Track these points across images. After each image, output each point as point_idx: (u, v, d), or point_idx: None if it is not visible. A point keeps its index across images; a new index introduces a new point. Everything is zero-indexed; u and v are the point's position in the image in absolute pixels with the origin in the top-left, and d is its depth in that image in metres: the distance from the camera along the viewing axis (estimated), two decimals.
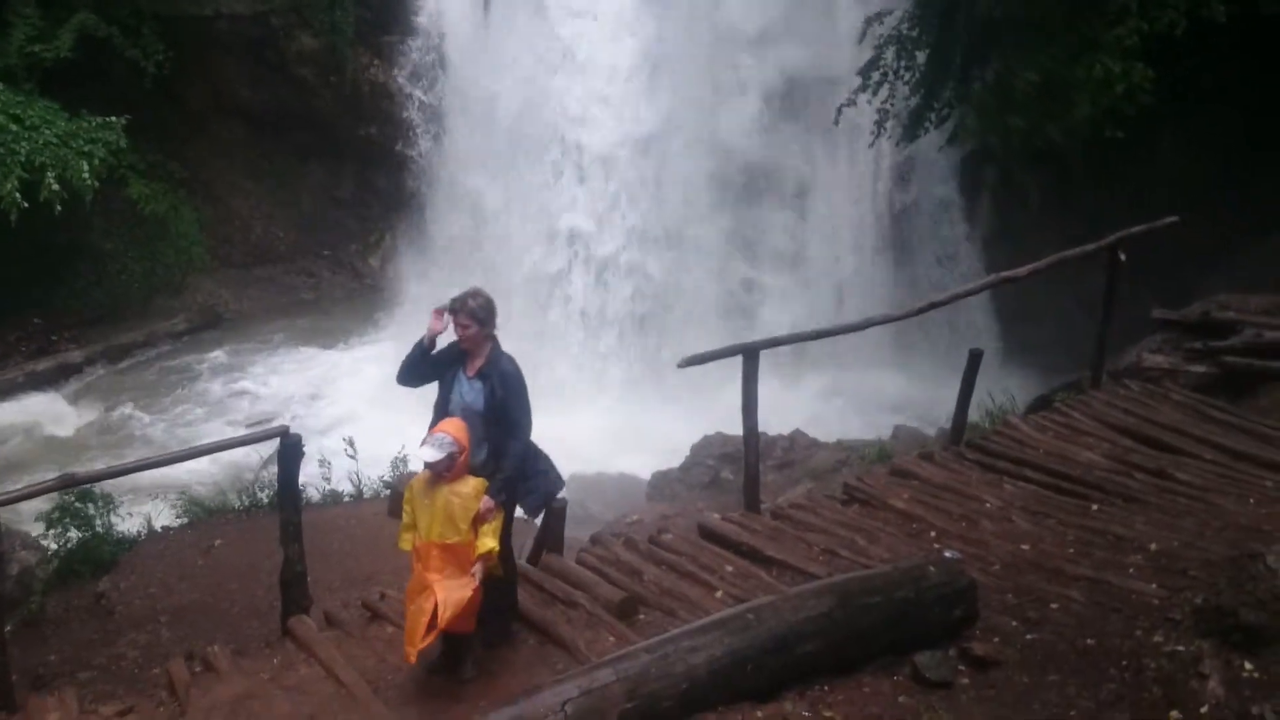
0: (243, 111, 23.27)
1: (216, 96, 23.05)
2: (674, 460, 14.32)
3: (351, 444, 12.03)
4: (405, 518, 6.27)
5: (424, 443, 6.03)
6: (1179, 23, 12.36)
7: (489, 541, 6.03)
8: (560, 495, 6.98)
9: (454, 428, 6.07)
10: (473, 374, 6.24)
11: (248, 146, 23.51)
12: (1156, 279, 14.65)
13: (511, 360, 6.27)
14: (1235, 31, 12.48)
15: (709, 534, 8.04)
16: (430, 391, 6.48)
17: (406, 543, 6.26)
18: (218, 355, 20.71)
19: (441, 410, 6.29)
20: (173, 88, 21.39)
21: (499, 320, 6.34)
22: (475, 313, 6.18)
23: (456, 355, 6.32)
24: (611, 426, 16.20)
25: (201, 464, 12.77)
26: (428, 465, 6.01)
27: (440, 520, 6.02)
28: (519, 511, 6.56)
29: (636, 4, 19.41)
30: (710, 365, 7.94)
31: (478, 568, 6.02)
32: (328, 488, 12.06)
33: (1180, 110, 14.44)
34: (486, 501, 6.01)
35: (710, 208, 19.36)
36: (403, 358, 6.49)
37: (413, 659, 6.08)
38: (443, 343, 6.37)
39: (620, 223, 19.28)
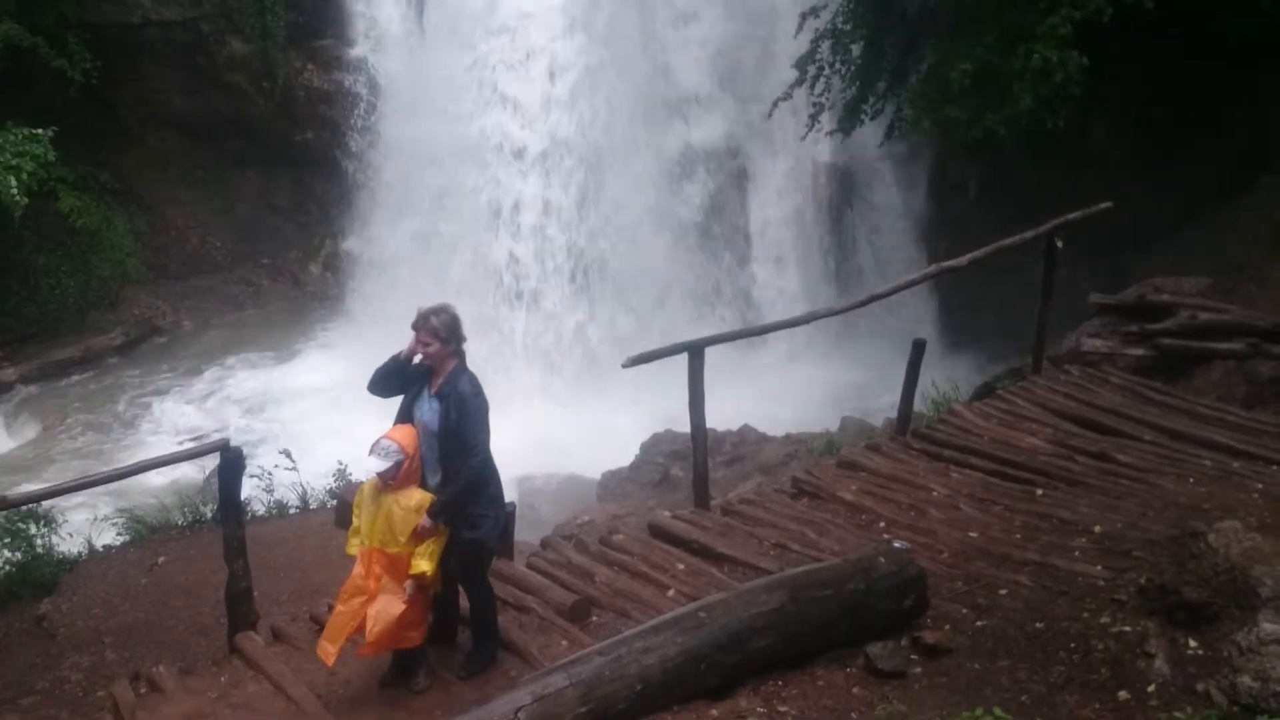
0: (175, 120, 22.90)
1: (148, 105, 22.66)
2: (624, 459, 14.30)
3: (289, 455, 11.89)
4: (355, 521, 6.19)
5: (370, 451, 5.94)
6: (1106, 9, 12.53)
7: (423, 564, 5.92)
8: (509, 500, 6.89)
9: (401, 435, 5.99)
10: (434, 392, 6.09)
11: (181, 155, 23.14)
12: (1093, 264, 14.89)
13: (472, 380, 6.08)
14: (1160, 16, 12.68)
15: (660, 532, 8.02)
16: (382, 402, 6.36)
17: (354, 547, 6.18)
18: (157, 369, 20.40)
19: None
20: (102, 97, 21.01)
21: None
22: (437, 330, 6.00)
23: (425, 370, 6.17)
24: (560, 426, 16.15)
25: (143, 480, 12.51)
26: (374, 473, 5.93)
27: (381, 528, 5.96)
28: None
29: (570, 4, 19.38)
30: (658, 362, 7.92)
31: (410, 584, 5.94)
32: (273, 500, 11.89)
33: (1109, 96, 14.66)
34: (425, 520, 5.89)
35: (653, 201, 19.38)
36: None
37: (330, 660, 6.02)
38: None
39: (563, 219, 19.23)
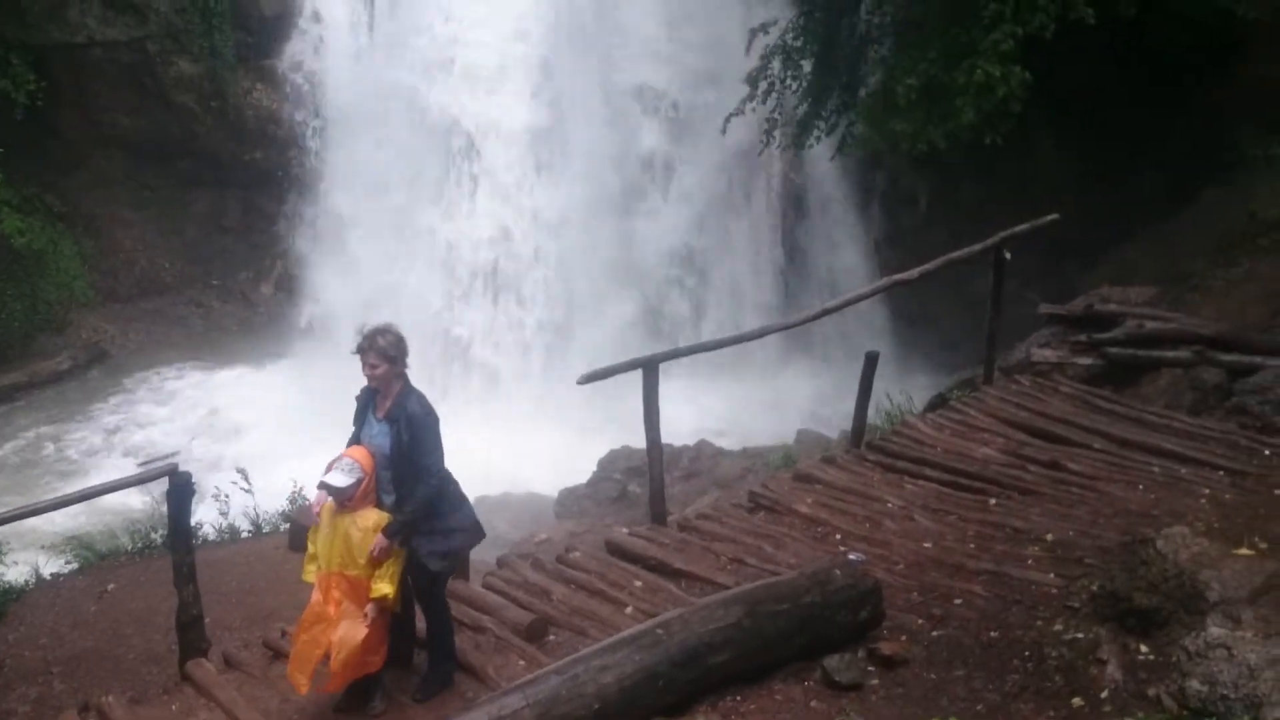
0: (122, 141, 22.60)
1: (94, 126, 22.35)
2: (581, 476, 14.27)
3: (246, 477, 11.72)
4: (310, 547, 6.12)
5: (329, 467, 5.87)
6: (1049, 25, 12.73)
7: (384, 587, 5.87)
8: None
9: (359, 454, 5.93)
10: (382, 415, 6.01)
11: (129, 177, 22.83)
12: (1042, 275, 15.09)
13: (421, 400, 6.01)
14: (1101, 32, 12.90)
15: (617, 549, 8.00)
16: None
17: (310, 574, 6.10)
18: (105, 393, 20.08)
19: None
20: (47, 118, 20.69)
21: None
22: (385, 351, 5.92)
23: (371, 393, 6.10)
24: (517, 444, 16.08)
25: (92, 506, 12.33)
26: (332, 491, 5.86)
27: (340, 551, 5.89)
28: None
29: (522, 15, 19.40)
30: (615, 378, 7.91)
31: (371, 608, 5.89)
32: (225, 524, 11.72)
33: (1054, 110, 14.89)
34: (379, 541, 5.82)
35: (609, 220, 19.42)
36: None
37: (303, 689, 5.94)
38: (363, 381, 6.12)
39: (516, 237, 19.23)
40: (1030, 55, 12.92)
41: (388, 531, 5.83)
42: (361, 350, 5.96)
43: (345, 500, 5.86)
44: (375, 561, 5.85)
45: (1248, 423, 9.31)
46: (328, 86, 21.37)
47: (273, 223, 22.65)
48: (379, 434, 5.99)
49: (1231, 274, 12.76)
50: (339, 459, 5.92)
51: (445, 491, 6.09)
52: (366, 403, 6.12)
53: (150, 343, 21.92)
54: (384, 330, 5.99)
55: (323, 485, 5.91)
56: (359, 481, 5.83)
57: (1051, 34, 12.74)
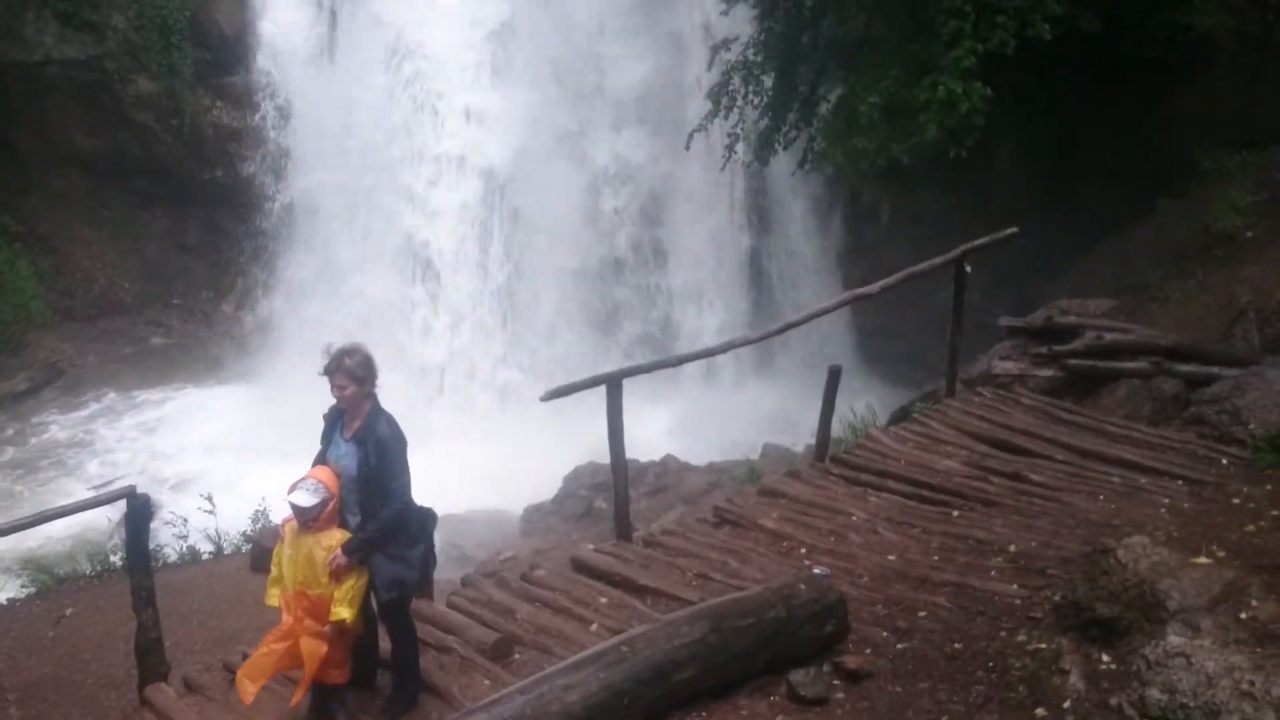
0: (80, 159, 22.38)
1: (51, 145, 22.12)
2: (547, 492, 14.23)
3: (210, 500, 11.60)
4: (273, 571, 6.07)
5: (294, 487, 5.81)
6: (1009, 42, 12.89)
7: (342, 611, 5.82)
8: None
9: (324, 474, 5.88)
10: (349, 436, 5.95)
11: (87, 196, 22.59)
12: (1003, 288, 15.22)
13: (390, 421, 5.96)
14: (1060, 46, 13.07)
15: (582, 566, 7.96)
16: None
17: (274, 598, 6.05)
18: (63, 414, 19.80)
19: None
20: (3, 138, 20.47)
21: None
22: (352, 372, 5.87)
23: (339, 413, 6.04)
24: (482, 460, 16.02)
25: (49, 529, 12.15)
26: (298, 511, 5.80)
27: (303, 569, 5.85)
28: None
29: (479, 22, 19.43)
30: (580, 392, 7.90)
31: (330, 629, 5.85)
32: (185, 546, 11.59)
33: (1014, 124, 15.05)
34: (338, 557, 5.77)
35: (575, 232, 19.44)
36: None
37: (248, 698, 5.89)
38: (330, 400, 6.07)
39: (478, 250, 19.20)
40: (990, 70, 13.06)
41: (347, 548, 5.78)
42: (329, 371, 5.90)
43: (310, 520, 5.81)
44: (335, 579, 5.79)
45: (1206, 432, 9.41)
46: (288, 103, 21.24)
47: (233, 241, 22.48)
48: (346, 454, 5.94)
49: (1187, 285, 12.93)
50: (304, 479, 5.87)
51: (408, 520, 6.02)
52: (334, 422, 6.07)
53: (109, 363, 21.63)
54: (351, 351, 5.93)
55: (289, 503, 5.87)
56: (324, 501, 5.79)
57: (1011, 51, 12.89)
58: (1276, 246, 12.61)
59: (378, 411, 5.98)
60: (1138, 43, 13.91)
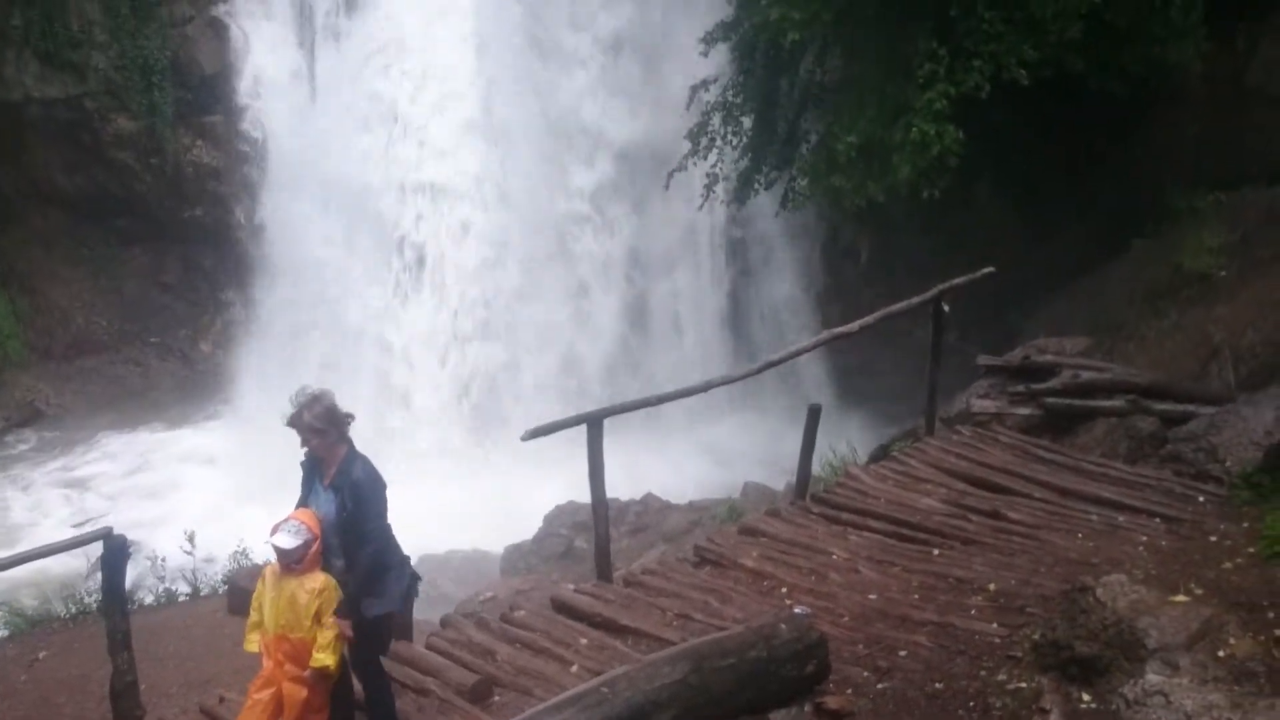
0: (59, 198, 22.32)
1: (30, 183, 22.09)
2: (527, 531, 14.17)
3: (191, 539, 11.51)
4: (253, 615, 6.02)
5: (276, 529, 5.78)
6: (984, 86, 13.07)
7: (324, 658, 5.79)
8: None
9: (307, 516, 5.85)
10: (327, 483, 5.94)
11: (65, 234, 22.52)
12: (980, 326, 15.34)
13: (365, 465, 5.94)
14: (1034, 88, 13.26)
15: (562, 607, 7.93)
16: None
17: (253, 644, 6.00)
18: (38, 454, 19.65)
19: None
20: None
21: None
22: (312, 425, 5.85)
23: (315, 460, 6.03)
24: (461, 499, 15.95)
25: (24, 571, 11.99)
26: (280, 553, 5.77)
27: (285, 612, 5.81)
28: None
29: (464, 61, 19.53)
30: (560, 432, 7.90)
31: (310, 675, 5.81)
32: (162, 587, 11.49)
33: (991, 163, 15.23)
34: (345, 627, 5.81)
35: (552, 271, 19.49)
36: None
37: None
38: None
39: (461, 291, 19.21)
40: (967, 111, 13.23)
41: (340, 613, 5.80)
42: (292, 424, 5.88)
43: (293, 563, 5.78)
44: (319, 620, 5.77)
45: (1182, 470, 9.47)
46: (268, 142, 21.30)
47: (212, 279, 22.44)
48: (325, 502, 5.93)
49: (1162, 324, 13.07)
50: (286, 520, 5.84)
51: (388, 558, 6.02)
52: (312, 469, 6.06)
53: (86, 402, 21.50)
54: (311, 403, 5.89)
55: (272, 546, 5.83)
56: (307, 543, 5.76)
57: (986, 94, 13.07)
58: (1249, 286, 12.77)
59: (352, 456, 5.96)
60: (1113, 80, 14.10)
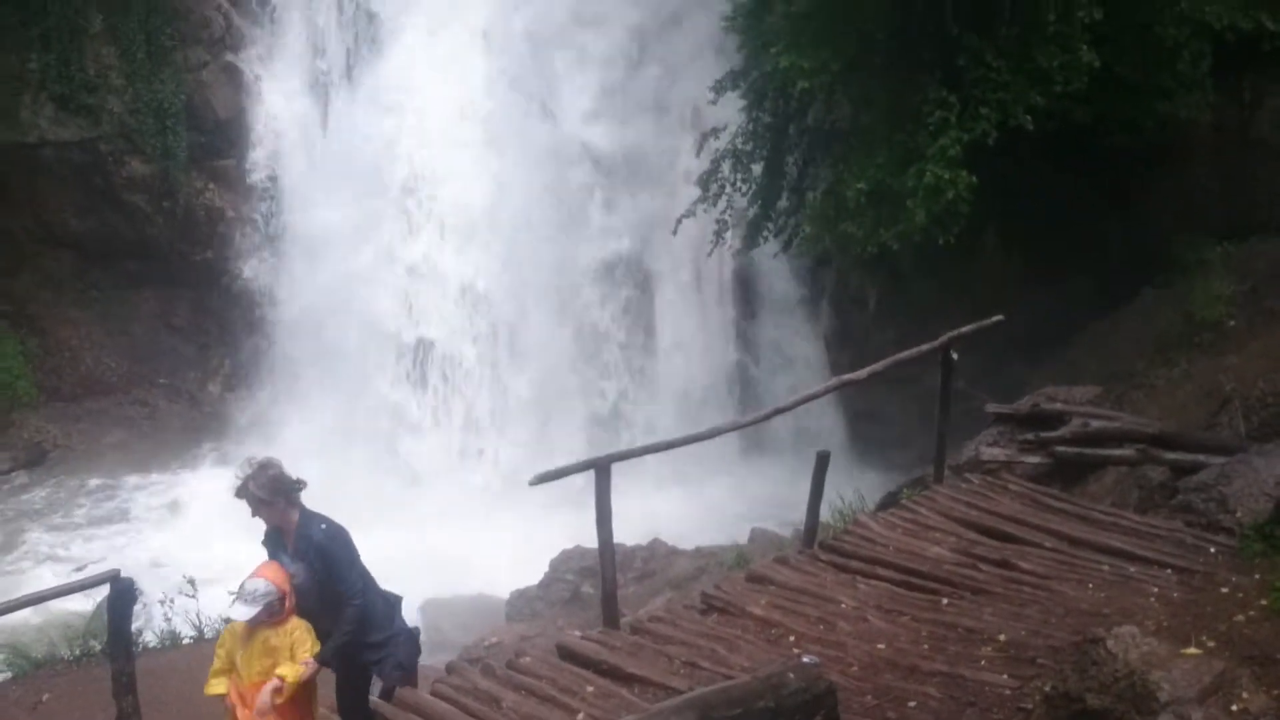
0: (71, 240, 22.45)
1: (43, 226, 22.23)
2: (533, 576, 14.10)
3: (193, 584, 11.45)
4: (218, 662, 5.98)
5: (235, 598, 5.73)
6: (990, 133, 13.16)
7: (286, 670, 5.73)
8: (413, 624, 6.74)
9: (272, 572, 5.82)
10: (291, 551, 5.92)
11: (76, 276, 22.64)
12: (989, 374, 15.32)
13: (322, 524, 5.93)
14: (1044, 136, 13.35)
15: (568, 654, 7.87)
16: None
17: (217, 687, 5.95)
18: (45, 495, 19.64)
19: None
20: None
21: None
22: (257, 496, 5.83)
23: (277, 530, 6.01)
24: (467, 544, 15.87)
25: (29, 612, 11.96)
26: (245, 621, 5.75)
27: (260, 658, 5.79)
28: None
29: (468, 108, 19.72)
30: (568, 477, 7.89)
31: (268, 689, 5.71)
32: (167, 629, 11.42)
33: (999, 211, 15.29)
34: (310, 666, 5.75)
35: (562, 313, 19.57)
36: None
37: None
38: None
39: (469, 333, 19.29)
40: (976, 159, 13.30)
41: (320, 658, 5.77)
42: (239, 495, 5.86)
43: (260, 624, 5.74)
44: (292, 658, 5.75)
45: (1193, 520, 9.39)
46: (281, 186, 21.46)
47: (221, 322, 22.52)
48: (297, 572, 5.89)
49: (1172, 373, 13.05)
50: (250, 577, 5.79)
51: (373, 610, 6.01)
52: (276, 542, 6.02)
53: (94, 443, 21.52)
54: (255, 474, 5.86)
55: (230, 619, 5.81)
56: (269, 605, 5.71)
57: (994, 141, 13.15)
58: (1259, 336, 12.76)
59: (308, 519, 5.94)
60: (1121, 131, 14.18)
